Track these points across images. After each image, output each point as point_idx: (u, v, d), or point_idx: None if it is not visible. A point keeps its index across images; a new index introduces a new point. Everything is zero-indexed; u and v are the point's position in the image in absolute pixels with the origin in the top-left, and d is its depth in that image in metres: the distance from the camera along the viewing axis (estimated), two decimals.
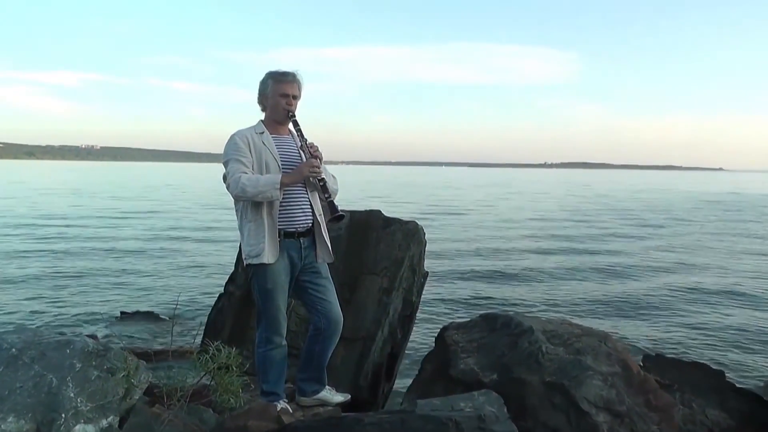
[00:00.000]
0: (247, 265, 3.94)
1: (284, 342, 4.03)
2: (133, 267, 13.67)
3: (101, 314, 9.45)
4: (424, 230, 5.52)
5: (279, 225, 3.89)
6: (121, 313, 9.41)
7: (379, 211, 5.55)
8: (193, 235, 19.83)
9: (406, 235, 5.34)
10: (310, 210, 4.02)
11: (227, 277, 5.83)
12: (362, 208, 5.63)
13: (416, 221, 5.48)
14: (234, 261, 5.78)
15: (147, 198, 39.92)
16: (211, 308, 5.76)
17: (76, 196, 41.18)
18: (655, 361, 4.87)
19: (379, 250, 5.30)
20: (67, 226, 22.12)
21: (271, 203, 3.86)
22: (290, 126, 4.09)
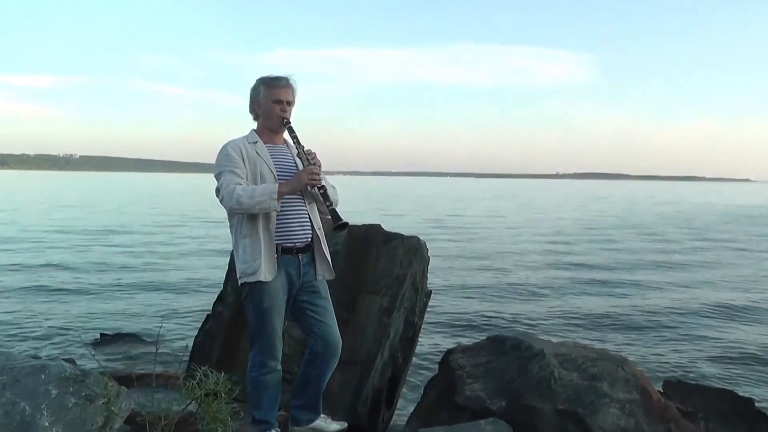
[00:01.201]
0: (241, 283, 3.94)
1: (279, 366, 4.02)
2: (114, 286, 13.65)
3: (79, 336, 9.44)
4: (427, 246, 5.53)
5: (276, 240, 3.90)
6: (101, 335, 9.39)
7: (379, 226, 5.55)
8: (178, 252, 19.83)
9: (407, 252, 5.34)
10: (309, 224, 4.03)
11: (215, 296, 5.83)
12: (361, 223, 5.64)
13: (419, 236, 5.48)
14: (223, 279, 5.78)
15: (128, 211, 39.94)
16: (198, 330, 5.76)
17: (53, 208, 41.21)
18: (677, 387, 4.87)
19: (379, 268, 5.30)
20: (42, 241, 22.13)
21: (267, 217, 3.87)
22: (285, 134, 4.10)
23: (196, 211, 40.87)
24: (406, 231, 5.59)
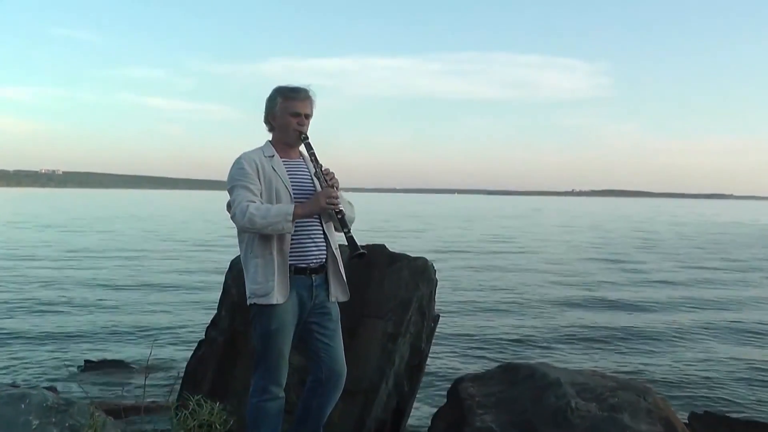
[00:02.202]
0: (251, 304, 3.95)
1: (282, 394, 4.02)
2: (99, 309, 13.67)
3: (62, 363, 9.44)
4: (435, 267, 5.54)
5: (289, 260, 3.92)
6: (85, 362, 9.39)
7: (383, 246, 5.57)
8: (168, 274, 19.86)
9: (414, 273, 5.36)
10: (324, 243, 4.06)
11: (209, 320, 5.84)
12: (363, 242, 5.66)
13: (425, 257, 5.49)
14: (216, 302, 5.79)
15: (114, 230, 40.01)
16: (190, 357, 5.76)
17: (34, 228, 41.30)
18: (704, 418, 4.86)
19: (383, 290, 5.31)
20: (22, 260, 22.17)
21: (282, 237, 3.89)
22: (301, 149, 4.13)
23: (186, 230, 40.95)
24: (411, 251, 5.61)
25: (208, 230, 38.83)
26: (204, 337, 5.78)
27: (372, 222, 54.76)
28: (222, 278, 5.83)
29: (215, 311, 5.80)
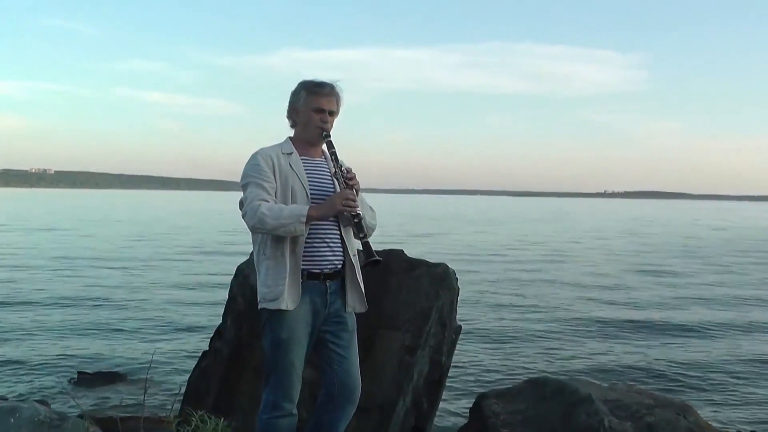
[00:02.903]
0: (261, 309, 3.98)
1: (295, 410, 4.02)
2: (93, 318, 13.73)
3: (54, 375, 9.49)
4: (457, 274, 5.54)
5: (302, 264, 3.95)
6: (79, 373, 9.43)
7: (401, 251, 5.58)
8: (169, 280, 19.94)
9: (434, 281, 5.37)
10: (341, 248, 4.07)
11: (213, 330, 5.87)
12: (379, 248, 5.66)
13: (446, 264, 5.50)
14: (222, 311, 5.82)
15: (111, 234, 40.21)
16: (192, 369, 5.79)
17: (25, 231, 41.57)
18: None
19: (400, 300, 5.32)
20: (11, 267, 22.31)
21: (295, 239, 3.92)
22: (323, 147, 4.16)
23: (188, 233, 41.11)
24: (431, 257, 5.62)
25: (211, 233, 39.01)
26: (207, 348, 5.81)
27: (388, 225, 54.75)
28: (227, 285, 5.87)
29: (220, 321, 5.84)
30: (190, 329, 12.78)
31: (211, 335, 5.88)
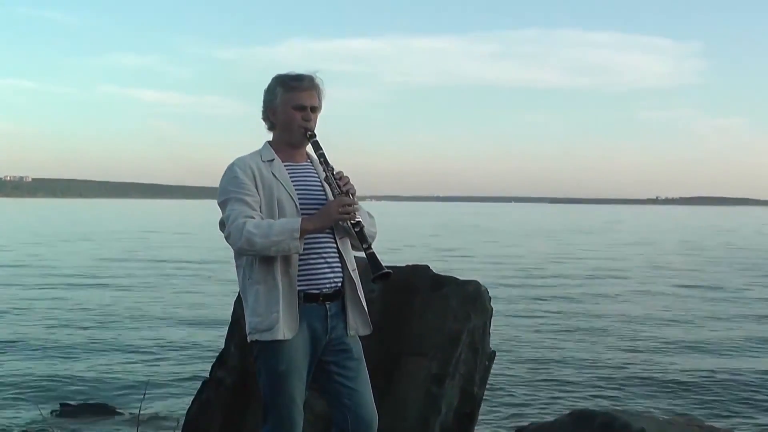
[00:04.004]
0: (251, 341, 3.93)
1: None
2: (80, 341, 13.82)
3: (34, 405, 9.51)
4: (489, 293, 5.55)
5: (298, 285, 3.89)
6: (62, 405, 9.45)
7: (427, 267, 5.59)
8: (165, 300, 20.00)
9: (464, 301, 5.37)
10: (340, 264, 4.04)
11: (214, 358, 5.90)
12: (401, 263, 5.67)
13: (478, 281, 5.51)
14: (224, 335, 5.85)
15: (98, 248, 40.39)
16: (191, 401, 5.82)
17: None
18: None
19: (426, 322, 5.33)
20: None
21: (287, 258, 3.86)
22: (308, 149, 4.13)
23: (185, 248, 41.23)
24: (461, 274, 5.63)
25: (210, 248, 39.11)
26: (208, 377, 5.84)
27: (410, 237, 54.68)
28: (230, 307, 5.90)
29: (221, 346, 5.87)
30: (188, 356, 12.82)
31: (213, 363, 5.91)
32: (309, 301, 3.92)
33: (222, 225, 3.91)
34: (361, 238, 3.93)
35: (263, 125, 4.16)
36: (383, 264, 3.89)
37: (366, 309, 4.09)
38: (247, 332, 3.94)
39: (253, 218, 3.82)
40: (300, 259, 3.90)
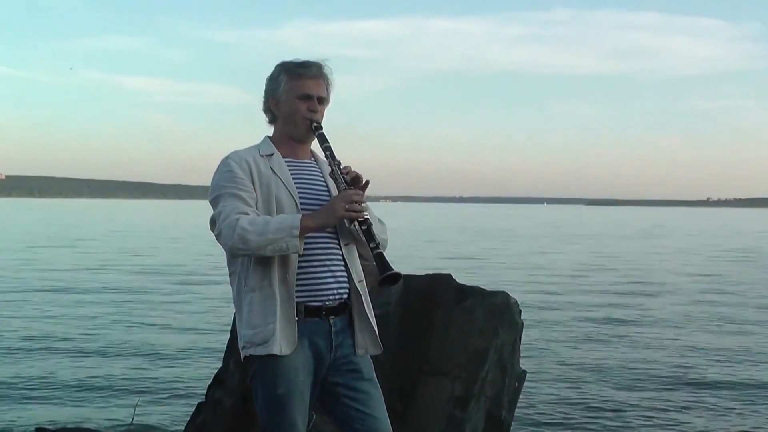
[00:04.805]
0: (246, 357, 3.95)
1: None
2: (60, 357, 13.86)
3: (8, 429, 9.55)
4: (519, 305, 5.55)
5: (298, 297, 3.89)
6: (37, 430, 9.47)
7: (449, 276, 5.60)
8: (154, 312, 20.04)
9: (491, 314, 5.38)
10: (345, 273, 4.04)
11: (211, 376, 5.92)
12: (420, 271, 5.67)
13: (506, 292, 5.51)
14: (222, 352, 5.87)
15: (80, 253, 40.51)
16: (185, 425, 5.84)
17: None
18: None
19: (448, 337, 5.34)
20: None
21: (285, 262, 3.86)
22: (314, 144, 4.15)
23: (178, 255, 41.32)
24: (487, 283, 5.64)
25: (207, 254, 39.17)
26: (204, 398, 5.86)
27: (430, 243, 54.67)
28: (229, 320, 5.92)
29: (219, 364, 5.88)
30: (181, 374, 12.83)
31: (209, 383, 5.92)
32: (310, 315, 3.91)
33: (213, 223, 3.91)
34: (368, 237, 3.91)
35: (263, 118, 4.17)
36: (392, 265, 3.85)
37: (375, 326, 4.07)
38: (240, 348, 3.95)
39: (248, 214, 3.81)
40: (300, 267, 3.90)
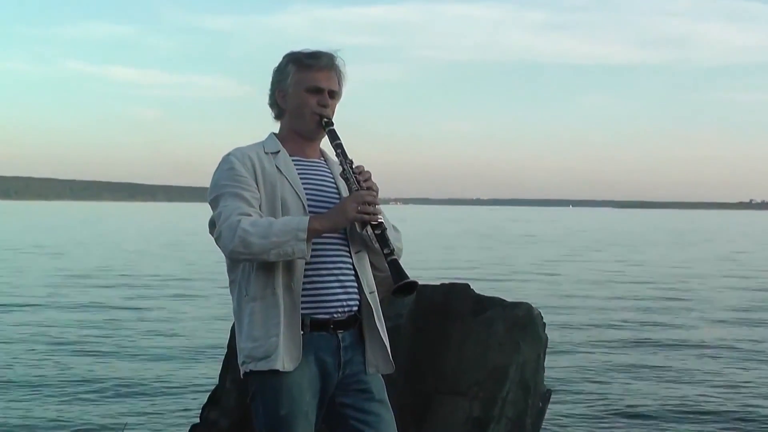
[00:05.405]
0: (246, 373, 3.94)
1: None
2: (43, 371, 13.89)
3: None
4: (544, 318, 5.55)
5: (304, 308, 3.88)
6: None
7: (466, 286, 5.60)
8: (140, 328, 20.03)
9: (512, 327, 5.39)
10: (356, 284, 4.03)
11: (206, 397, 5.93)
12: (435, 280, 5.68)
13: (529, 303, 5.51)
14: (218, 369, 5.88)
15: (65, 261, 40.56)
16: None
17: None
18: None
19: (465, 353, 5.34)
20: None
21: (290, 269, 3.85)
22: (323, 142, 4.15)
23: (169, 262, 41.34)
24: (509, 294, 5.65)
25: (202, 261, 39.23)
26: (199, 419, 5.88)
27: (445, 250, 54.63)
28: (225, 335, 5.93)
29: (215, 383, 5.90)
30: (174, 393, 12.84)
31: (203, 403, 5.94)
32: (317, 328, 3.91)
33: (212, 225, 3.90)
34: (382, 243, 3.89)
35: (269, 114, 4.16)
36: (407, 273, 3.81)
37: (387, 343, 4.07)
38: (240, 363, 3.95)
39: (250, 216, 3.79)
40: (306, 276, 3.89)
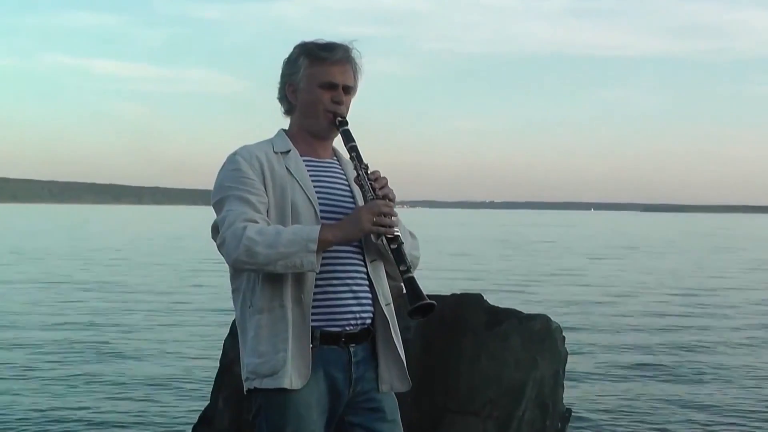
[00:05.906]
0: (249, 390, 3.93)
1: None
2: (21, 387, 13.91)
3: None
4: (563, 331, 5.56)
5: (314, 321, 3.88)
6: None
7: (479, 297, 5.62)
8: (128, 340, 20.07)
9: (529, 341, 5.40)
10: (370, 295, 4.04)
11: (197, 416, 5.95)
12: (446, 290, 5.69)
13: (547, 316, 5.52)
14: (209, 386, 5.90)
15: (52, 269, 40.64)
16: None
17: None
18: None
19: (478, 369, 5.35)
20: None
21: (300, 280, 3.85)
22: (336, 144, 4.18)
23: (157, 270, 41.39)
24: (526, 306, 5.65)
25: (190, 270, 39.28)
26: None
27: (456, 257, 54.66)
28: (218, 350, 5.94)
29: (206, 401, 5.92)
30: (162, 413, 12.84)
31: (194, 423, 5.96)
32: (327, 342, 3.90)
33: (215, 230, 3.89)
34: (399, 258, 3.86)
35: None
36: (425, 294, 3.79)
37: (404, 358, 4.06)
38: (244, 378, 3.93)
39: (257, 222, 3.78)
40: (317, 286, 3.88)
